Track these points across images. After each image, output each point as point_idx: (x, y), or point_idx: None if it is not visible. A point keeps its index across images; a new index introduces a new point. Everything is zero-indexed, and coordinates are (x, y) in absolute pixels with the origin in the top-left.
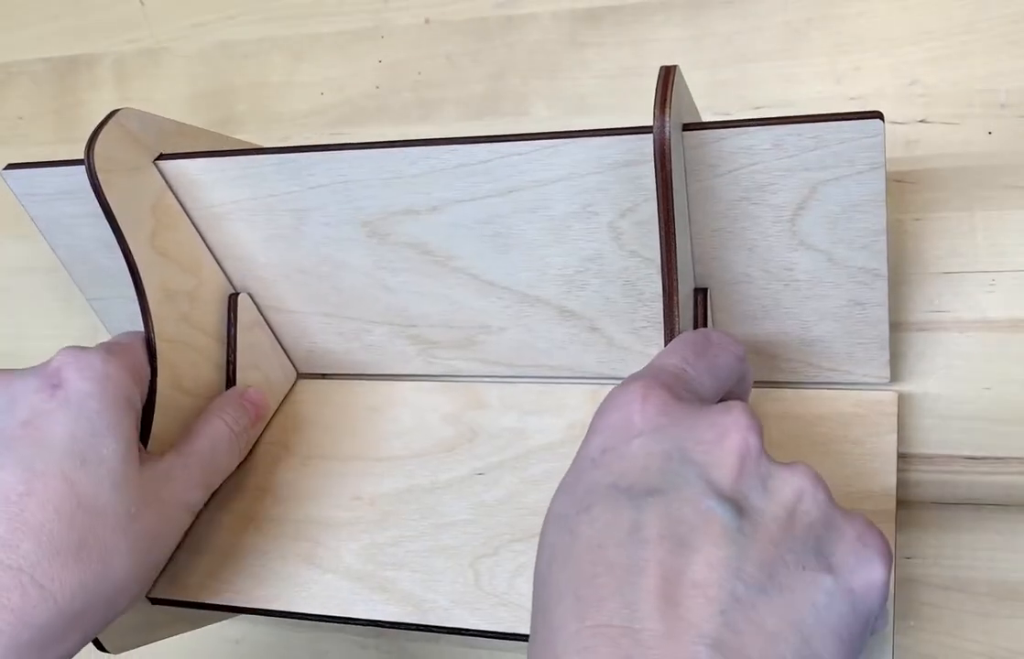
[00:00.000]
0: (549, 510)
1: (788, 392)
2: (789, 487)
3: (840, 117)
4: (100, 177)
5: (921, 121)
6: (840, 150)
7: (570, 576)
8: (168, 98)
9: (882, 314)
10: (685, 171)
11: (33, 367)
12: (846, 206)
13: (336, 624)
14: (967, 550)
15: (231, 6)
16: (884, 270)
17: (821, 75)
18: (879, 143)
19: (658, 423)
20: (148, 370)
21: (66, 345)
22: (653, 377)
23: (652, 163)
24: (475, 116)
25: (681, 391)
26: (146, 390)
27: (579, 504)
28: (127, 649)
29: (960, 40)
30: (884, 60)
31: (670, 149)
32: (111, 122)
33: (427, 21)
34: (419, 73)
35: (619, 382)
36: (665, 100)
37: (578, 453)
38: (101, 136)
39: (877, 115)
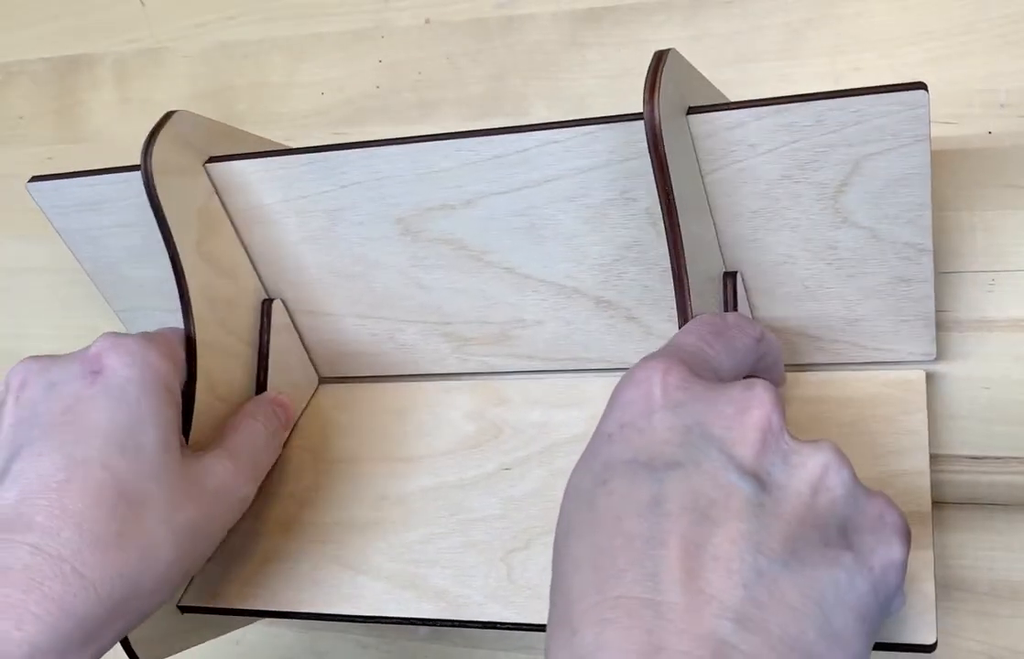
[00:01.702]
0: (567, 484)
1: (823, 374)
2: (812, 462)
3: (883, 89)
4: (156, 181)
5: None
6: (883, 123)
7: (588, 547)
8: (168, 98)
9: (927, 290)
10: (697, 155)
11: (72, 353)
12: (890, 180)
13: (337, 623)
14: (967, 550)
15: (231, 6)
16: (929, 245)
17: (821, 75)
18: (923, 115)
19: (678, 399)
20: (185, 363)
21: (67, 344)
22: (671, 355)
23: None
24: (475, 116)
25: (700, 369)
26: (184, 381)
27: (597, 477)
28: (161, 658)
29: (960, 40)
30: (884, 60)
31: (662, 134)
32: (167, 125)
33: (427, 21)
34: (419, 73)
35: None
36: (655, 85)
37: (596, 430)
38: (158, 140)
39: (921, 86)
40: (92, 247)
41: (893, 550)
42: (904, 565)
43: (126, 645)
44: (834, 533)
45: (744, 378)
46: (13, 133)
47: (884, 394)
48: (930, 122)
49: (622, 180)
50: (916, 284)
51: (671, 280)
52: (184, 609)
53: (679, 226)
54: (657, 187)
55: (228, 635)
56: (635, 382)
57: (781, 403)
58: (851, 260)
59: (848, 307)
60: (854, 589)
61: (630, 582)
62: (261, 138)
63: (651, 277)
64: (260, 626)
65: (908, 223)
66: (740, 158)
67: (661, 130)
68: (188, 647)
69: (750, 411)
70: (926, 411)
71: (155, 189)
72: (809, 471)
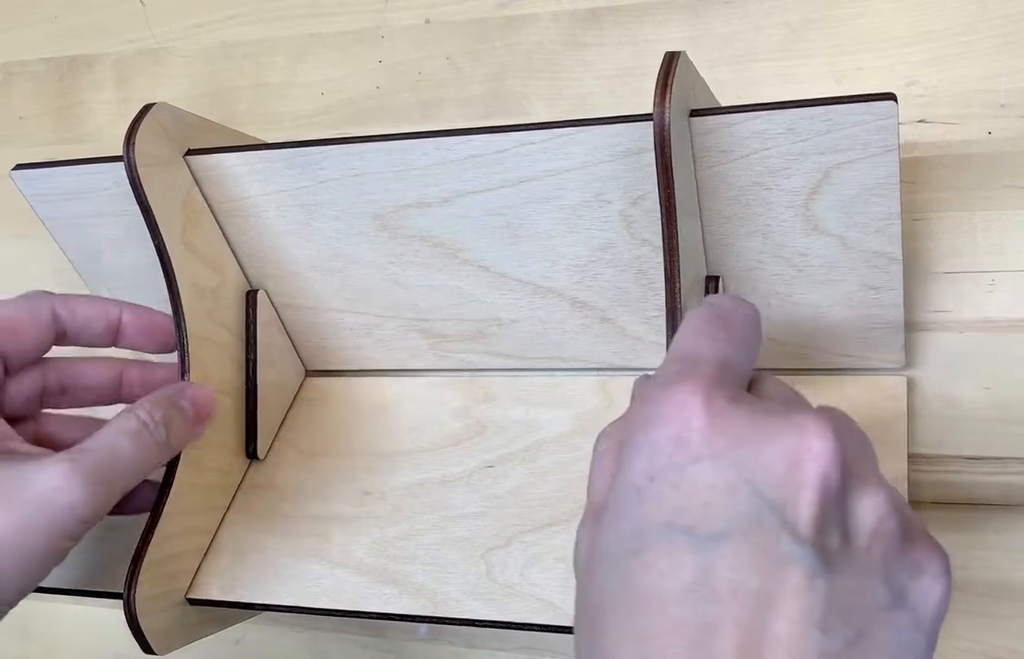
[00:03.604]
0: (594, 544)
1: (798, 379)
2: (869, 519)
3: (853, 99)
4: (139, 172)
5: (921, 121)
6: (853, 133)
7: (629, 630)
8: (169, 98)
9: (897, 298)
10: (694, 157)
11: None
12: (860, 190)
13: (337, 623)
14: (966, 550)
15: (231, 6)
16: (899, 254)
17: (821, 76)
18: (892, 125)
19: (717, 446)
20: (24, 327)
21: None
22: (697, 375)
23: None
24: (475, 116)
25: (731, 389)
26: (23, 351)
27: (628, 545)
28: (170, 650)
29: (960, 40)
30: (884, 60)
31: (670, 136)
32: (148, 116)
33: (427, 21)
34: (419, 73)
35: (636, 374)
36: (666, 86)
37: (619, 475)
38: (139, 131)
39: (890, 97)
40: (75, 235)
41: (939, 589)
42: (948, 599)
43: (140, 636)
44: (888, 593)
45: (785, 401)
46: (13, 133)
47: (864, 399)
48: (899, 132)
49: (596, 183)
50: (885, 292)
51: (644, 282)
52: (192, 602)
53: (676, 228)
54: (659, 188)
55: (228, 635)
56: (664, 420)
57: (840, 448)
58: (821, 267)
59: (818, 314)
60: (915, 649)
61: None
62: (239, 132)
63: (625, 279)
64: (260, 625)
65: (877, 232)
66: (712, 164)
67: (670, 132)
68: (194, 640)
69: (804, 466)
70: (906, 420)
71: (139, 180)
72: (866, 530)
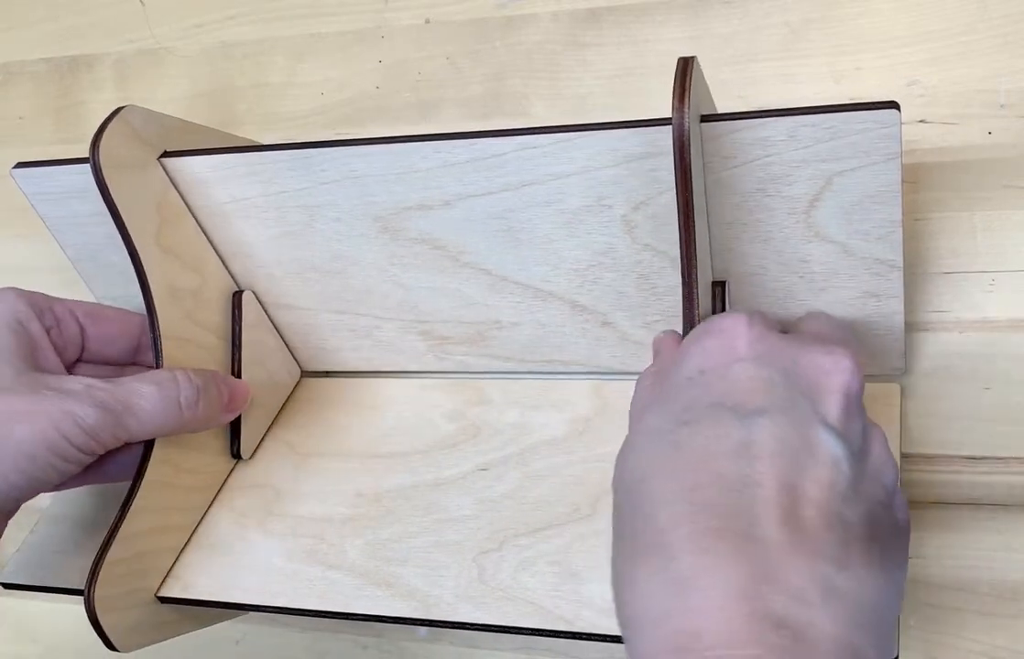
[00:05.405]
0: (640, 426)
1: None
2: (878, 446)
3: (855, 107)
4: (105, 174)
5: (921, 121)
6: (855, 141)
7: (676, 485)
8: (169, 98)
9: (897, 305)
10: (703, 163)
11: None
12: (861, 197)
13: (336, 623)
14: (967, 550)
15: (231, 6)
16: (900, 261)
17: (821, 76)
18: (895, 133)
19: (759, 351)
20: (56, 302)
21: None
22: (742, 311)
23: (667, 155)
24: (475, 116)
25: (769, 324)
26: (51, 317)
27: (678, 419)
28: (136, 648)
29: (960, 40)
30: (884, 60)
31: (689, 141)
32: (116, 119)
33: (427, 21)
34: (419, 73)
35: (635, 379)
36: (684, 91)
37: (669, 373)
38: (106, 133)
39: (893, 105)
40: (75, 233)
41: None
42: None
43: (101, 634)
44: (887, 494)
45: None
46: (14, 133)
47: None
48: (902, 140)
49: (598, 187)
50: (886, 299)
51: (646, 287)
52: (163, 600)
53: (694, 233)
54: (677, 193)
55: (228, 635)
56: (716, 331)
57: (861, 371)
58: (822, 274)
59: None
60: (901, 547)
61: (728, 517)
62: (221, 132)
63: (626, 283)
64: (260, 625)
65: (879, 239)
66: (715, 170)
67: (689, 137)
68: (165, 638)
69: (831, 375)
70: (899, 425)
71: (105, 181)
72: (880, 449)
